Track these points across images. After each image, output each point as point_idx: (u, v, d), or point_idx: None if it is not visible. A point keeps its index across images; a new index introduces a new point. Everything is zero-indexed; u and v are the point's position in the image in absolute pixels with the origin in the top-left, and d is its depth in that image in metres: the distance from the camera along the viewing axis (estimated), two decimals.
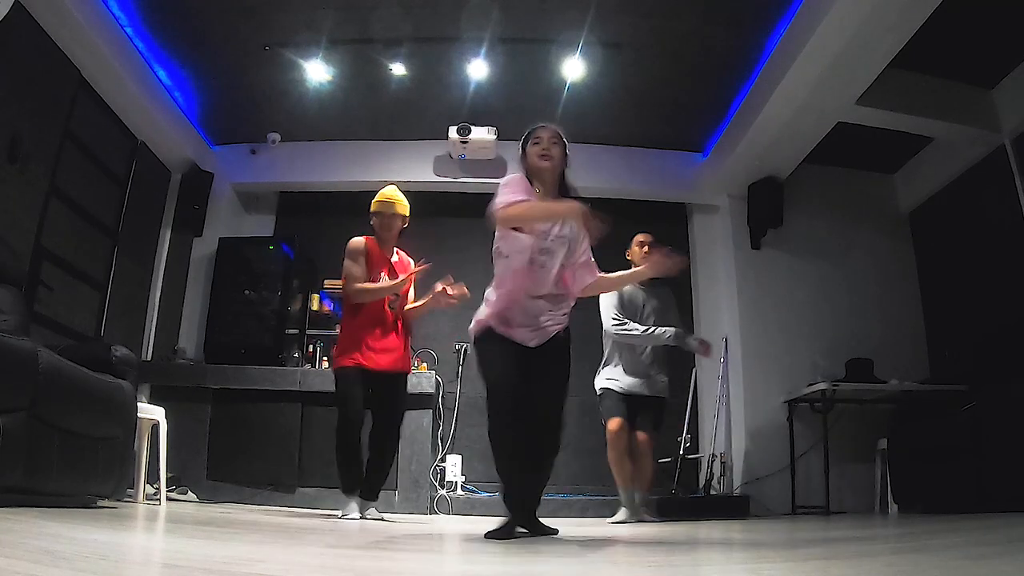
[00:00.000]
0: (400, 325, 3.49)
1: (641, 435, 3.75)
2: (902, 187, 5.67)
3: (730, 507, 4.52)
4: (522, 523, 2.36)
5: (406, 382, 3.55)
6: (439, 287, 3.27)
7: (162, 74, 4.76)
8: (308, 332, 5.36)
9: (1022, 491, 3.12)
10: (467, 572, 1.31)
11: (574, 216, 2.26)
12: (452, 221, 5.48)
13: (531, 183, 2.44)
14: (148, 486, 3.57)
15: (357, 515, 3.28)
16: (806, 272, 5.41)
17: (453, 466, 4.98)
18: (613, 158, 5.54)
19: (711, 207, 5.75)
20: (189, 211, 5.38)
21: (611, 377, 3.83)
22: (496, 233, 2.45)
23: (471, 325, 2.52)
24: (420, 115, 5.36)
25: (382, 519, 3.38)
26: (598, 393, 3.87)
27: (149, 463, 3.56)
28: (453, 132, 5.21)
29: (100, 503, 2.78)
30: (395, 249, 3.59)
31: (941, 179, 5.20)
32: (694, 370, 5.38)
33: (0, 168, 3.49)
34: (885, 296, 5.37)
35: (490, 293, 2.51)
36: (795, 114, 4.50)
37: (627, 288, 3.83)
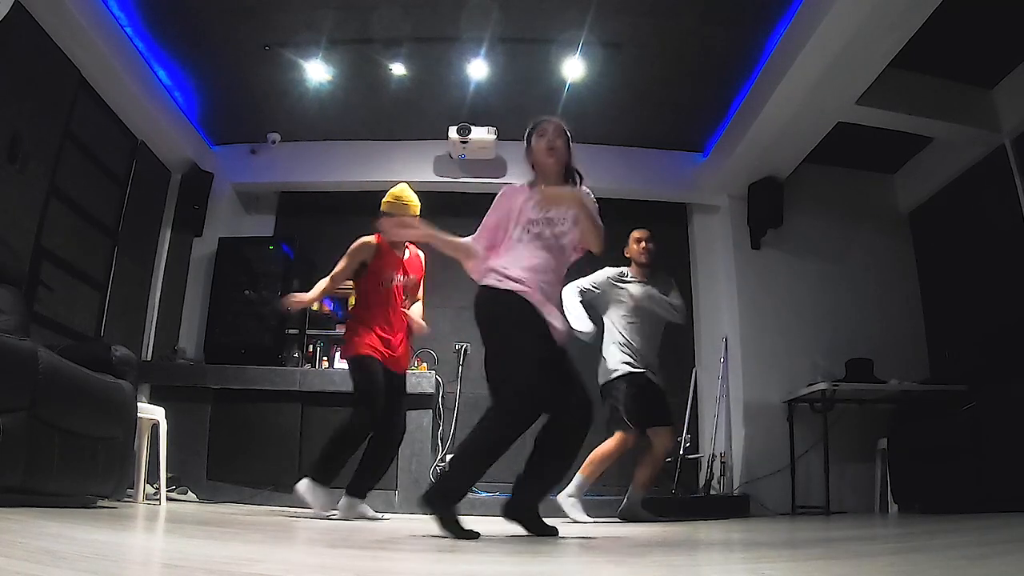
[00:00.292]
0: (405, 331, 3.47)
1: (663, 430, 3.70)
2: (902, 187, 5.67)
3: (730, 507, 4.52)
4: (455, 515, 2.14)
5: (405, 382, 3.55)
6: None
7: (162, 74, 4.76)
8: (308, 332, 5.35)
9: (1022, 491, 3.12)
10: (467, 572, 1.30)
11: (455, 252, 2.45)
12: (452, 221, 5.42)
13: (536, 175, 2.48)
14: (148, 486, 3.58)
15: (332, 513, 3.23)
16: (806, 272, 5.41)
17: None
18: (613, 158, 5.53)
19: (711, 207, 5.75)
20: (189, 211, 5.38)
21: (627, 359, 3.72)
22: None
23: (493, 281, 2.32)
24: (420, 115, 5.36)
25: (382, 519, 3.37)
26: (613, 377, 3.71)
27: (149, 463, 3.56)
28: (453, 132, 5.21)
29: (100, 503, 2.78)
30: (406, 245, 3.53)
31: (941, 179, 5.20)
32: (694, 370, 5.38)
33: (0, 168, 3.50)
34: (885, 296, 5.37)
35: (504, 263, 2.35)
36: (795, 114, 4.50)
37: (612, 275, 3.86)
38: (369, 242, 3.38)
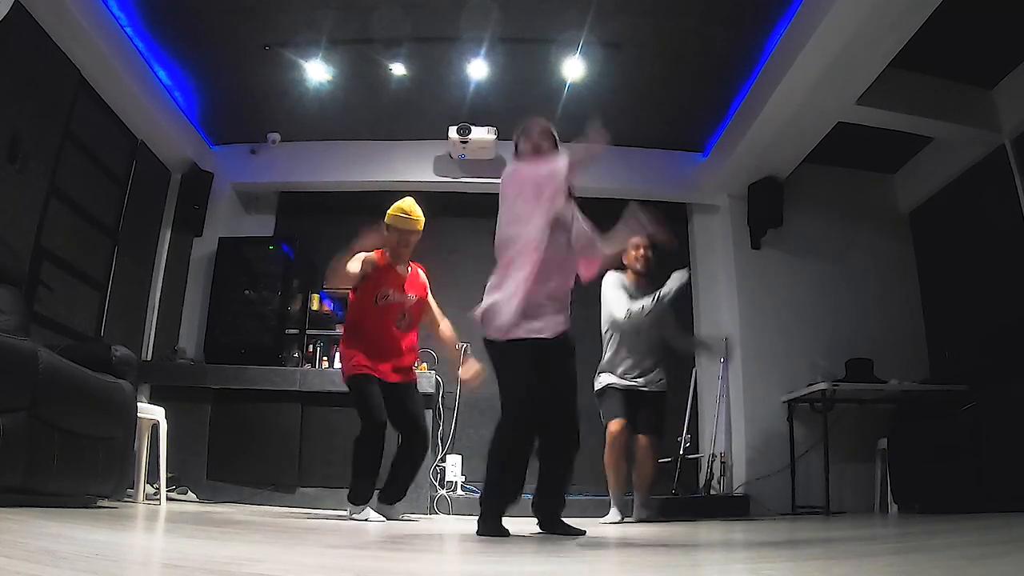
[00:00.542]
0: (405, 345, 3.46)
1: (642, 439, 3.74)
2: (902, 187, 5.67)
3: (730, 507, 4.52)
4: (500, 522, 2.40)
5: (417, 389, 3.57)
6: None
7: (162, 74, 4.76)
8: (308, 332, 5.36)
9: (1022, 491, 3.12)
10: (467, 572, 1.30)
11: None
12: (452, 221, 5.47)
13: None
14: (148, 486, 3.57)
15: (376, 516, 3.27)
16: (806, 272, 5.41)
17: (453, 466, 4.98)
18: (613, 158, 5.50)
19: (711, 207, 5.75)
20: (189, 211, 5.38)
21: (611, 373, 3.81)
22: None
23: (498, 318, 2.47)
24: (420, 115, 5.35)
25: (382, 520, 3.38)
26: (597, 391, 3.85)
27: (149, 463, 3.56)
28: (453, 132, 5.21)
29: (100, 503, 2.78)
30: (408, 263, 3.51)
31: (941, 179, 5.20)
32: (694, 370, 5.38)
33: (0, 168, 3.49)
34: (885, 296, 5.37)
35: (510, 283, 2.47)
36: (795, 114, 4.50)
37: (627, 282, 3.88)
38: (368, 258, 3.31)
